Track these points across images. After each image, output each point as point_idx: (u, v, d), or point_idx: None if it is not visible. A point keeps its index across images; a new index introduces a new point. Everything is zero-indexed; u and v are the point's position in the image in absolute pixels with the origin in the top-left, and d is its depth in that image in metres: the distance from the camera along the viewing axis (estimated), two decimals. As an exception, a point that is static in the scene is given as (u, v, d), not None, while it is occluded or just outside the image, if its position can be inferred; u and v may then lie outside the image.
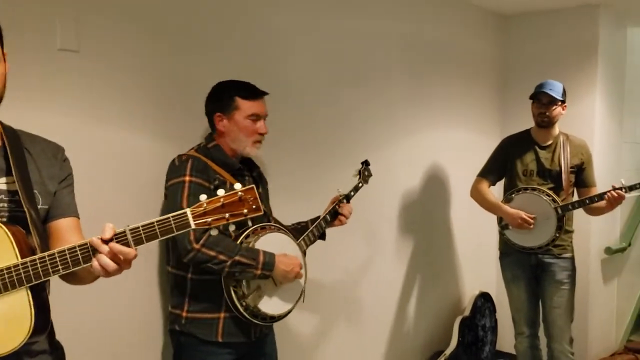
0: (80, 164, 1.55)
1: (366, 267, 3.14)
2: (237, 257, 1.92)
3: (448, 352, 3.47)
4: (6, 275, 1.27)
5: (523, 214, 2.93)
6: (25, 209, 1.33)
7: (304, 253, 2.20)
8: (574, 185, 3.05)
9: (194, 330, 2.02)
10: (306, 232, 2.25)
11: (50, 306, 1.37)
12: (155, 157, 2.16)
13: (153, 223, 1.28)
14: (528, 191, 2.98)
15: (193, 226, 1.29)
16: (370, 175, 2.52)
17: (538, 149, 3.04)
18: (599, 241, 3.87)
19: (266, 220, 2.14)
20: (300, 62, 2.71)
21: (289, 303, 2.10)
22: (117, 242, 1.27)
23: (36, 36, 1.84)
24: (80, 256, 1.28)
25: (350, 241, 2.48)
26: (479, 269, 3.94)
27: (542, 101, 2.97)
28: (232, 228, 1.33)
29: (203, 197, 1.31)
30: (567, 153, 3.00)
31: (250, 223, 1.29)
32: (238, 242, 1.99)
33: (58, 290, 1.47)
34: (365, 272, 3.14)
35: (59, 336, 1.48)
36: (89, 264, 1.28)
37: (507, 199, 3.05)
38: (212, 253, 1.90)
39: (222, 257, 1.90)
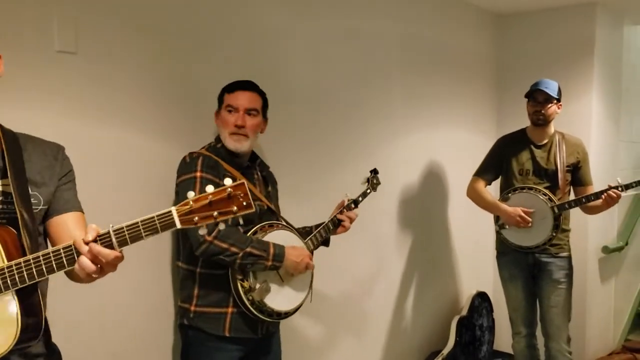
0: (79, 165, 1.55)
1: (363, 266, 3.14)
2: (248, 249, 1.95)
3: (445, 351, 3.47)
4: None
5: (520, 211, 2.93)
6: (18, 211, 1.33)
7: (311, 253, 2.21)
8: (571, 184, 3.05)
9: (201, 324, 2.05)
10: (313, 234, 2.27)
11: (42, 309, 1.34)
12: (155, 157, 2.17)
13: (137, 223, 1.24)
14: (524, 190, 2.98)
15: (179, 225, 1.23)
16: (378, 183, 2.55)
17: (534, 148, 3.04)
18: (597, 240, 3.88)
19: (275, 219, 2.16)
20: (300, 63, 2.71)
21: (295, 301, 2.12)
22: (102, 243, 1.23)
23: (34, 38, 1.84)
24: (64, 258, 1.26)
25: (347, 240, 2.49)
26: (476, 268, 3.95)
27: (538, 99, 2.97)
28: (221, 227, 1.25)
29: (190, 194, 1.24)
30: (563, 152, 3.01)
31: (241, 221, 1.24)
32: None
33: (69, 286, 1.46)
34: (363, 272, 3.14)
35: (68, 333, 1.48)
36: (72, 267, 1.26)
37: (504, 198, 3.05)
38: (225, 245, 1.93)
39: (234, 249, 1.94)
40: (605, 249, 3.93)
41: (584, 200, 2.89)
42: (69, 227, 1.43)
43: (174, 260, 2.25)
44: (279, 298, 2.06)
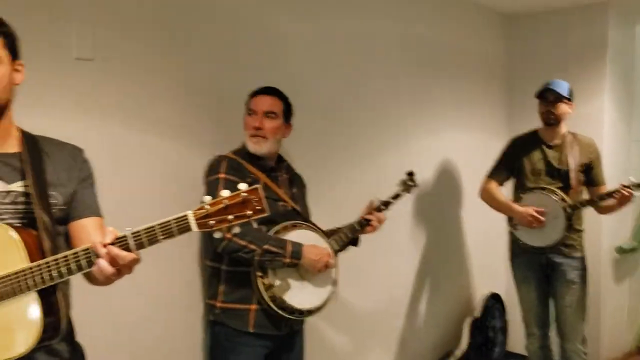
0: (100, 168, 1.59)
1: (376, 267, 3.15)
2: (266, 246, 2.02)
3: (458, 353, 3.48)
4: (14, 280, 1.29)
5: (532, 211, 2.93)
6: (37, 212, 1.36)
7: (335, 253, 2.25)
8: (584, 184, 3.05)
9: (227, 320, 2.11)
10: (337, 233, 2.31)
11: (63, 309, 1.38)
12: (175, 162, 2.24)
13: (154, 227, 1.27)
14: (537, 191, 2.98)
15: (195, 229, 1.27)
16: (414, 185, 2.57)
17: (545, 149, 3.04)
18: (610, 240, 3.86)
19: (300, 220, 2.21)
20: (318, 68, 2.76)
21: (316, 299, 2.15)
22: (119, 246, 1.27)
23: (53, 46, 1.89)
24: (83, 261, 1.29)
25: (362, 241, 2.52)
26: (489, 270, 3.94)
27: (548, 99, 2.98)
28: (236, 230, 1.30)
29: (207, 198, 1.28)
30: (576, 152, 3.00)
31: (255, 224, 1.28)
32: None
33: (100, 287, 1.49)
34: (375, 272, 3.16)
35: (97, 331, 1.53)
36: (90, 269, 1.29)
37: (516, 199, 3.05)
38: (243, 242, 2.00)
39: (252, 246, 2.01)
40: (619, 250, 3.91)
41: (596, 200, 2.89)
42: (88, 232, 1.46)
43: (203, 258, 2.33)
44: (299, 296, 2.10)
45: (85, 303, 1.59)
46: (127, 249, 1.27)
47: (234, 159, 2.13)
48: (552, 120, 2.99)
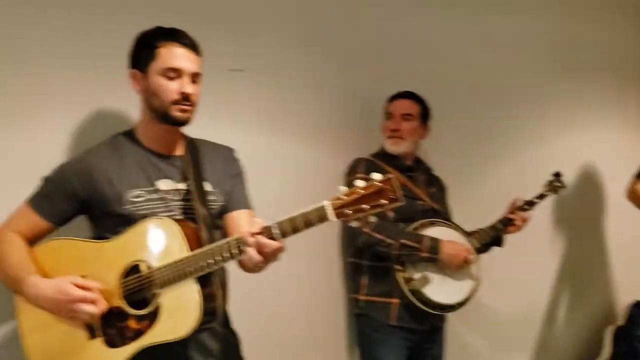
0: (251, 169, 1.75)
1: (515, 270, 3.08)
2: (402, 240, 2.09)
3: (600, 363, 3.31)
4: (178, 267, 1.42)
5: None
6: (196, 208, 1.52)
7: (477, 250, 2.26)
8: None
9: (370, 312, 2.21)
10: (478, 231, 2.32)
11: (219, 296, 1.50)
12: (313, 162, 2.38)
13: (295, 217, 1.35)
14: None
15: (333, 218, 1.31)
16: (562, 186, 2.53)
17: None
18: None
19: (439, 219, 2.26)
20: (457, 67, 2.80)
21: (456, 295, 2.18)
22: (266, 235, 1.35)
23: (209, 60, 2.10)
24: (234, 250, 1.39)
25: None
26: (633, 276, 3.70)
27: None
28: (372, 219, 1.32)
29: (342, 188, 1.32)
30: None
31: (392, 214, 1.30)
32: None
33: (250, 283, 1.65)
34: (514, 276, 3.09)
35: (250, 322, 1.69)
36: (240, 257, 1.40)
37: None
38: (380, 236, 2.10)
39: (389, 240, 2.09)
40: None
41: None
42: (239, 223, 1.61)
43: (344, 257, 2.43)
44: (439, 290, 2.14)
45: (241, 295, 1.74)
46: (272, 238, 1.36)
47: (371, 160, 2.23)
48: None
